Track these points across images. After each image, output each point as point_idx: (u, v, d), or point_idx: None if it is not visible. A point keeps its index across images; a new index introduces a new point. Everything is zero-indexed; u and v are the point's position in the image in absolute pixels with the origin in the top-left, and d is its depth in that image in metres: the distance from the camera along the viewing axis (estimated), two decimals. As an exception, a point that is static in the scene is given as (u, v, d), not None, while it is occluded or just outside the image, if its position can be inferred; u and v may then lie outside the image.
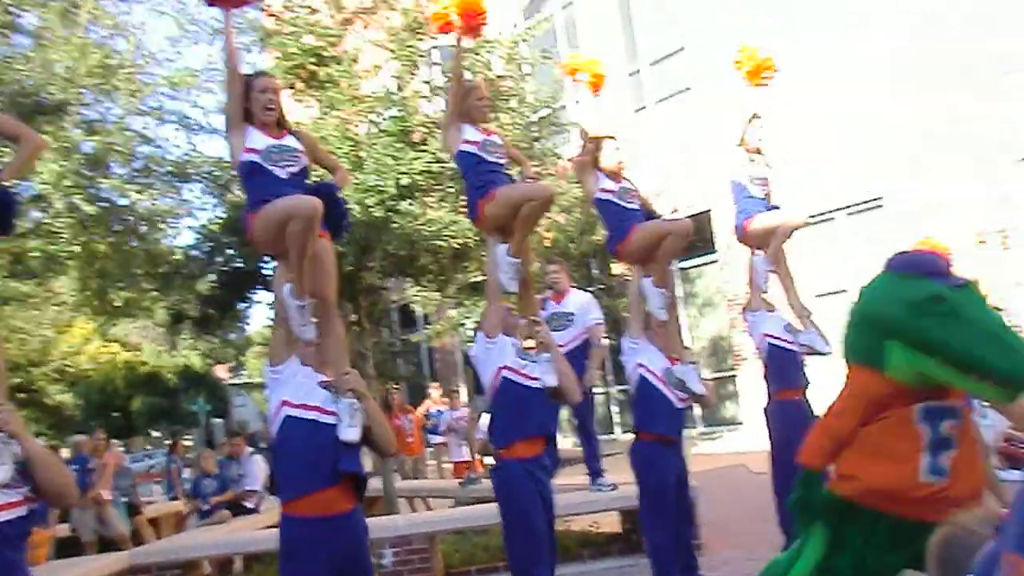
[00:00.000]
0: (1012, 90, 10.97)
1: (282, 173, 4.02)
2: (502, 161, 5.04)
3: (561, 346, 5.85)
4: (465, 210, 6.71)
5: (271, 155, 4.02)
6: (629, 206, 5.55)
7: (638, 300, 5.63)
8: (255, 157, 4.00)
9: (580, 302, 7.68)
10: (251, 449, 11.55)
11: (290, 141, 4.12)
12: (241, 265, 10.37)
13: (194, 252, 11.14)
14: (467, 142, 4.93)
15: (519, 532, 4.55)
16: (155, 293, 12.13)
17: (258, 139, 4.04)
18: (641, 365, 5.34)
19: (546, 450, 4.85)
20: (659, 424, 5.31)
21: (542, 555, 4.48)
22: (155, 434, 37.67)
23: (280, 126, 4.16)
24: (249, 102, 4.07)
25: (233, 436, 12.71)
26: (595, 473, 7.59)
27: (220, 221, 10.70)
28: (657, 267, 5.62)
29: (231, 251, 10.36)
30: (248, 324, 20.45)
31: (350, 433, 3.53)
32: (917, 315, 2.80)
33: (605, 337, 8.16)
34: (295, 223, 3.76)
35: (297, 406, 3.60)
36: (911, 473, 2.95)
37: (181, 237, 12.53)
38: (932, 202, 11.39)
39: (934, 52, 11.56)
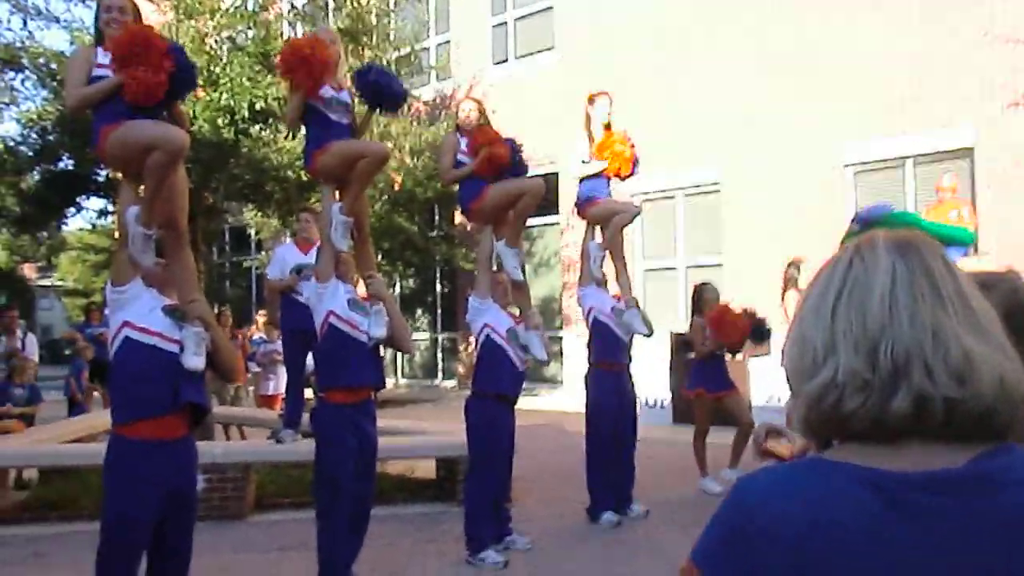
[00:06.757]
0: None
1: None
2: (344, 121, 5.01)
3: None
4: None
5: None
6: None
7: (488, 261, 5.80)
8: (106, 72, 3.80)
9: None
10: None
11: None
12: (72, 167, 9.84)
13: (20, 147, 10.42)
14: (316, 97, 4.87)
15: (323, 475, 4.70)
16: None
17: (108, 58, 3.84)
18: (487, 325, 5.54)
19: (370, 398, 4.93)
20: (502, 383, 5.56)
21: (342, 502, 4.62)
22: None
23: None
24: (99, 22, 3.92)
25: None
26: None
27: (52, 117, 10.07)
28: (510, 227, 5.80)
29: (62, 150, 9.80)
30: (66, 224, 19.25)
31: (195, 361, 3.53)
32: None
33: (441, 284, 8.19)
34: (160, 154, 3.63)
35: (139, 329, 3.55)
36: None
37: (4, 127, 11.72)
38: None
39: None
